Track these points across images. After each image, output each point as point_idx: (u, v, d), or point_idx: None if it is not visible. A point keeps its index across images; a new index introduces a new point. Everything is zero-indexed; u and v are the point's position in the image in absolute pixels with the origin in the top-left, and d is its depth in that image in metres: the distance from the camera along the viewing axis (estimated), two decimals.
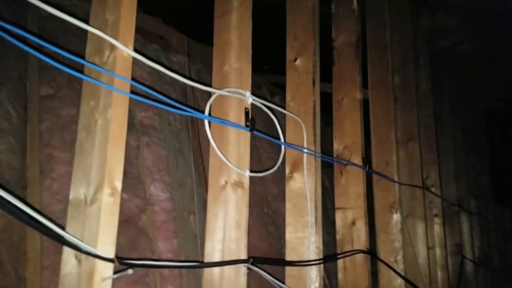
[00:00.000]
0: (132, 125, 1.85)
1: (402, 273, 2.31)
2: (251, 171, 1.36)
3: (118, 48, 0.98)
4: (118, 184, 0.93)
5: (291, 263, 1.56)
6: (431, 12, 3.16)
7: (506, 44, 3.27)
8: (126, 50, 1.00)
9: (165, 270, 1.69)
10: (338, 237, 2.11)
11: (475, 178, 4.47)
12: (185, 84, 2.14)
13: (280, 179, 1.83)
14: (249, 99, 1.33)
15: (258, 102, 1.38)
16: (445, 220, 3.32)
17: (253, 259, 1.25)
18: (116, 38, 0.99)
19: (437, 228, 3.17)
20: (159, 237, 1.69)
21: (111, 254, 0.86)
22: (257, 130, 1.36)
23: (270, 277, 1.29)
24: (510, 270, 5.37)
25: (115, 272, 0.88)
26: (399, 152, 2.78)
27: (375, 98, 2.43)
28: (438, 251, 3.16)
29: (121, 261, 0.85)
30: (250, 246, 2.24)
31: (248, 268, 1.25)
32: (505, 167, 4.81)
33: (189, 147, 1.89)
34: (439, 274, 3.12)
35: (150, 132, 1.85)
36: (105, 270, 0.85)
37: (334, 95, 2.16)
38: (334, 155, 2.17)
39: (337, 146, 2.16)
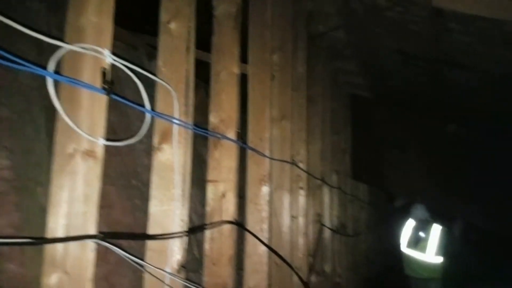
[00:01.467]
0: None
1: (266, 241, 2.46)
2: (110, 140, 1.24)
3: None
4: None
5: (151, 237, 1.50)
6: None
7: (371, 36, 3.64)
8: None
9: (4, 247, 1.46)
10: (207, 209, 2.12)
11: (338, 156, 5.01)
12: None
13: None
14: (108, 58, 1.18)
15: (119, 62, 1.24)
16: (309, 192, 3.64)
17: (104, 234, 1.14)
18: None
19: (301, 199, 3.45)
20: None
21: None
22: (116, 94, 1.23)
23: (123, 252, 1.20)
24: (360, 235, 6.27)
25: None
26: (273, 129, 2.91)
27: (254, 74, 2.46)
28: (301, 220, 3.46)
29: None
30: (112, 221, 2.11)
31: (99, 244, 1.15)
32: (362, 148, 5.49)
33: (41, 108, 1.63)
34: (300, 240, 3.42)
35: None
36: None
37: (213, 67, 2.11)
38: (210, 128, 2.14)
39: (213, 119, 2.14)
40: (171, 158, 1.60)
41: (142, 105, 1.40)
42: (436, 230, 4.57)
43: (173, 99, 1.58)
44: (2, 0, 1.75)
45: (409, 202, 5.37)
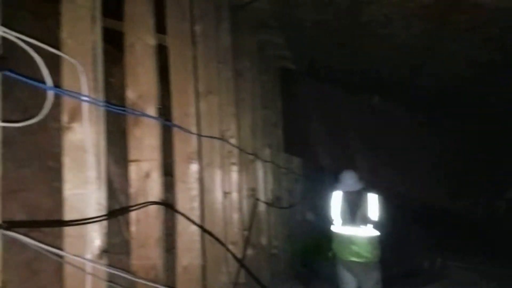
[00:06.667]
0: None
1: (197, 219, 2.47)
2: (7, 121, 1.14)
3: None
4: None
5: (65, 223, 1.44)
6: None
7: (294, 8, 3.70)
8: None
9: None
10: (131, 190, 2.07)
11: (270, 130, 5.13)
12: None
13: None
14: None
15: (13, 35, 1.14)
16: (241, 167, 3.71)
17: (9, 224, 1.07)
18: None
19: (234, 175, 3.51)
20: None
21: None
22: (12, 71, 1.13)
23: (32, 242, 1.14)
24: (295, 206, 6.56)
25: None
26: (200, 104, 2.88)
27: (174, 46, 2.39)
28: (234, 195, 3.52)
29: None
30: (28, 205, 1.97)
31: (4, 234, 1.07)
32: (293, 121, 5.67)
33: None
34: (234, 216, 3.50)
35: None
36: None
37: (126, 38, 2.01)
38: (128, 105, 2.06)
39: (130, 95, 2.06)
40: (83, 138, 1.53)
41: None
42: (371, 199, 3.78)
43: (80, 74, 1.49)
44: None
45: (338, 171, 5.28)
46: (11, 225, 1.10)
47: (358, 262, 3.76)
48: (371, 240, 3.74)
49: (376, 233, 3.76)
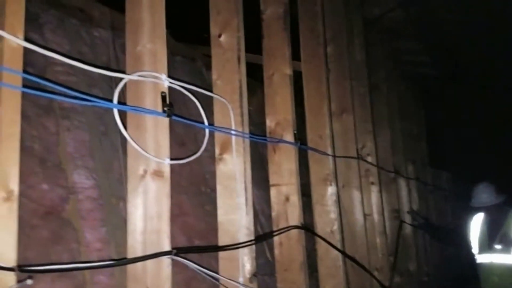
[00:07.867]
0: (50, 109, 1.76)
1: (338, 243, 2.49)
2: (174, 159, 1.39)
3: (5, 38, 0.94)
4: (15, 187, 0.91)
5: (220, 248, 1.63)
6: None
7: (432, 11, 3.49)
8: (14, 40, 0.96)
9: (95, 259, 1.69)
10: (273, 214, 2.22)
11: (412, 143, 4.84)
12: (109, 62, 2.07)
13: None
14: (166, 82, 1.33)
15: (176, 85, 1.39)
16: (382, 187, 3.59)
17: (177, 250, 1.29)
18: (1, 27, 0.95)
19: (374, 195, 3.42)
20: (85, 226, 1.67)
21: (11, 263, 0.86)
22: (176, 115, 1.38)
23: (195, 266, 1.35)
24: (446, 228, 5.96)
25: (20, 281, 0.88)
26: (334, 124, 2.93)
27: (307, 71, 2.51)
28: (376, 217, 3.43)
29: (21, 269, 0.85)
30: (186, 227, 2.31)
31: (173, 259, 1.30)
32: (440, 131, 5.23)
33: (116, 129, 1.86)
34: (377, 240, 3.39)
35: (71, 115, 1.78)
36: (6, 280, 0.85)
37: (265, 70, 2.21)
38: (267, 132, 2.25)
39: (269, 123, 2.24)
40: (232, 168, 1.72)
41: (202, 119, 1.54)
42: None
43: (229, 111, 1.71)
44: (72, 31, 2.00)
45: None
46: (178, 250, 1.32)
47: None
48: None
49: None
